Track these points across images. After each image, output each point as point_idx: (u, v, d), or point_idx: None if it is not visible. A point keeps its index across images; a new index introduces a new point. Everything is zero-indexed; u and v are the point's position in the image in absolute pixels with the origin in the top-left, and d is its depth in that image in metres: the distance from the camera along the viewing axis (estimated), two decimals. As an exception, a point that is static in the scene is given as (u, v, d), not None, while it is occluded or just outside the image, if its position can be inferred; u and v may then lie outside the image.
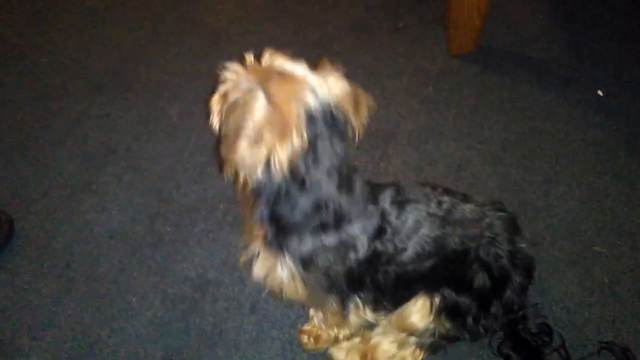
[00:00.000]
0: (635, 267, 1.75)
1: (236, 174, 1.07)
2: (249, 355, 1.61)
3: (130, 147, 2.15)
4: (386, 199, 1.24)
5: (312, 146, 1.03)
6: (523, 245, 1.38)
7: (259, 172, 1.03)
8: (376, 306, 1.38)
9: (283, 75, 1.04)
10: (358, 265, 1.23)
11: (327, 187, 1.10)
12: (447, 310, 1.36)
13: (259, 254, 1.29)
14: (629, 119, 2.16)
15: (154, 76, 2.42)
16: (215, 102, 1.09)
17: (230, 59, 1.10)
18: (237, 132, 1.01)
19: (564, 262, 1.76)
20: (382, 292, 1.32)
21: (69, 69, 2.46)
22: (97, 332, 1.66)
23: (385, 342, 1.54)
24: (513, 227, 1.37)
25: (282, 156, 0.99)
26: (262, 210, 1.15)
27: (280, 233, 1.18)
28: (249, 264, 1.33)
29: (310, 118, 1.01)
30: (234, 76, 1.06)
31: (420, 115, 2.21)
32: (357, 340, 1.57)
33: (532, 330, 1.51)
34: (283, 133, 0.99)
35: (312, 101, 1.01)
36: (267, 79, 1.02)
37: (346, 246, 1.19)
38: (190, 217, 1.92)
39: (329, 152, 1.06)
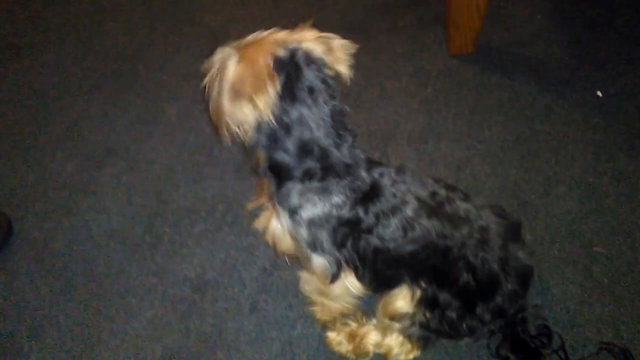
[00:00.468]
0: (635, 267, 1.75)
1: (231, 133, 1.16)
2: (249, 356, 1.60)
3: (129, 147, 2.14)
4: (383, 173, 1.27)
5: (288, 90, 1.11)
6: (519, 254, 1.37)
7: (249, 124, 1.13)
8: (357, 276, 1.38)
9: (255, 39, 1.16)
10: (340, 224, 1.25)
11: (312, 129, 1.15)
12: (427, 302, 1.36)
13: (264, 207, 1.37)
14: (629, 119, 2.16)
15: (153, 76, 2.41)
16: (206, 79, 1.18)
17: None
18: (219, 93, 1.13)
19: (564, 262, 1.76)
20: (362, 261, 1.32)
21: (67, 69, 2.45)
22: (97, 332, 1.66)
23: (374, 332, 1.56)
24: (512, 233, 1.36)
25: (262, 103, 1.09)
26: (263, 162, 1.23)
27: (279, 183, 1.25)
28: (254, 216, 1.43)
29: (281, 65, 1.11)
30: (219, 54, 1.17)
31: (420, 115, 2.21)
32: (354, 324, 1.59)
33: (531, 332, 1.50)
34: (258, 82, 1.09)
35: (280, 51, 1.11)
36: (242, 45, 1.15)
37: (330, 201, 1.23)
38: (190, 217, 1.92)
39: (308, 96, 1.13)
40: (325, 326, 1.64)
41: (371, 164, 1.27)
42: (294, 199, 1.24)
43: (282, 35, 1.16)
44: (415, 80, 2.35)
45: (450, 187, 1.35)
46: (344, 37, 1.19)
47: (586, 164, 2.02)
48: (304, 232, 1.28)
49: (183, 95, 2.32)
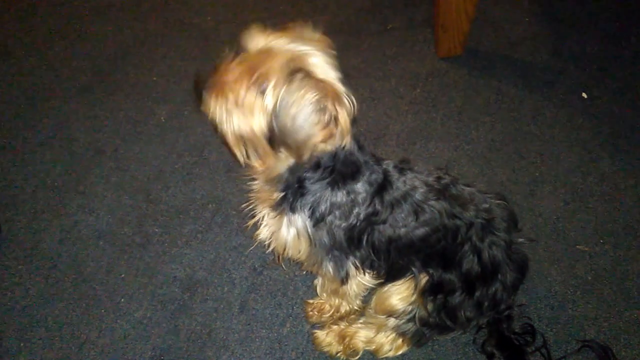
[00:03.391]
0: (618, 265, 1.78)
1: (299, 155, 1.14)
2: (238, 355, 1.61)
3: (118, 148, 2.14)
4: (389, 163, 1.32)
5: None
6: (521, 239, 1.43)
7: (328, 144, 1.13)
8: (371, 268, 1.41)
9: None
10: (359, 221, 1.29)
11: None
12: (432, 288, 1.39)
13: (264, 217, 1.38)
14: (613, 120, 2.20)
15: (142, 77, 2.41)
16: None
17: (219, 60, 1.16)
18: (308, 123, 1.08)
19: (548, 260, 1.79)
20: (376, 253, 1.36)
21: (57, 70, 2.44)
22: (86, 332, 1.66)
23: (364, 330, 1.58)
24: (512, 220, 1.41)
25: (344, 121, 1.10)
26: (285, 173, 1.24)
27: (298, 193, 1.26)
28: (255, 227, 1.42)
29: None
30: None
31: (409, 116, 2.23)
32: (342, 325, 1.60)
33: (516, 330, 1.54)
34: (339, 100, 1.09)
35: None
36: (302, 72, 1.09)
37: (353, 200, 1.27)
38: (179, 217, 1.93)
39: None
40: (314, 325, 1.65)
41: (376, 157, 1.32)
42: (322, 206, 1.27)
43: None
44: (405, 81, 2.37)
45: (453, 176, 1.40)
46: (334, 38, 1.21)
47: (571, 164, 2.06)
48: (325, 237, 1.31)
49: (173, 96, 2.33)
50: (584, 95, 2.30)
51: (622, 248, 1.82)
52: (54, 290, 1.75)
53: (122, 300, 1.73)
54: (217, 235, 1.88)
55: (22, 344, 1.64)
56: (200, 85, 1.16)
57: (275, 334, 1.65)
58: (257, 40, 1.17)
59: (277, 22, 2.73)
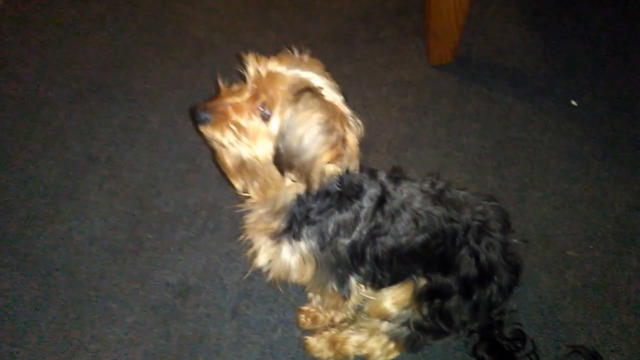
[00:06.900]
0: (607, 271, 1.80)
1: (308, 180, 1.15)
2: (229, 360, 1.62)
3: (111, 156, 2.15)
4: (382, 175, 1.34)
5: None
6: (515, 240, 1.45)
7: (340, 167, 1.16)
8: (373, 282, 1.43)
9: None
10: (361, 237, 1.31)
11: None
12: (429, 293, 1.40)
13: (261, 246, 1.38)
14: (602, 128, 2.23)
15: (136, 85, 2.43)
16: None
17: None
18: (315, 142, 1.09)
19: (538, 266, 1.81)
20: (379, 265, 1.37)
21: (51, 78, 2.46)
22: (78, 338, 1.66)
23: (356, 334, 1.59)
24: (506, 221, 1.43)
25: (353, 143, 1.13)
26: (291, 202, 1.25)
27: (304, 223, 1.28)
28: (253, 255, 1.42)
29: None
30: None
31: (400, 124, 2.25)
32: (333, 331, 1.61)
33: (507, 336, 1.56)
34: (346, 121, 1.13)
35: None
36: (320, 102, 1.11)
37: (356, 217, 1.29)
38: (171, 224, 1.94)
39: None
40: (305, 330, 1.66)
41: (370, 170, 1.34)
42: (329, 229, 1.28)
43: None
44: (396, 89, 2.40)
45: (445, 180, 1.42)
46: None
47: (561, 171, 2.08)
48: (331, 256, 1.32)
49: (166, 104, 2.34)
50: (574, 102, 2.33)
51: (611, 254, 1.84)
52: (47, 295, 1.76)
53: (115, 305, 1.73)
54: (209, 241, 1.89)
55: (15, 350, 1.64)
56: (200, 112, 1.16)
57: (267, 340, 1.66)
58: (256, 67, 1.17)
59: (270, 31, 2.75)
